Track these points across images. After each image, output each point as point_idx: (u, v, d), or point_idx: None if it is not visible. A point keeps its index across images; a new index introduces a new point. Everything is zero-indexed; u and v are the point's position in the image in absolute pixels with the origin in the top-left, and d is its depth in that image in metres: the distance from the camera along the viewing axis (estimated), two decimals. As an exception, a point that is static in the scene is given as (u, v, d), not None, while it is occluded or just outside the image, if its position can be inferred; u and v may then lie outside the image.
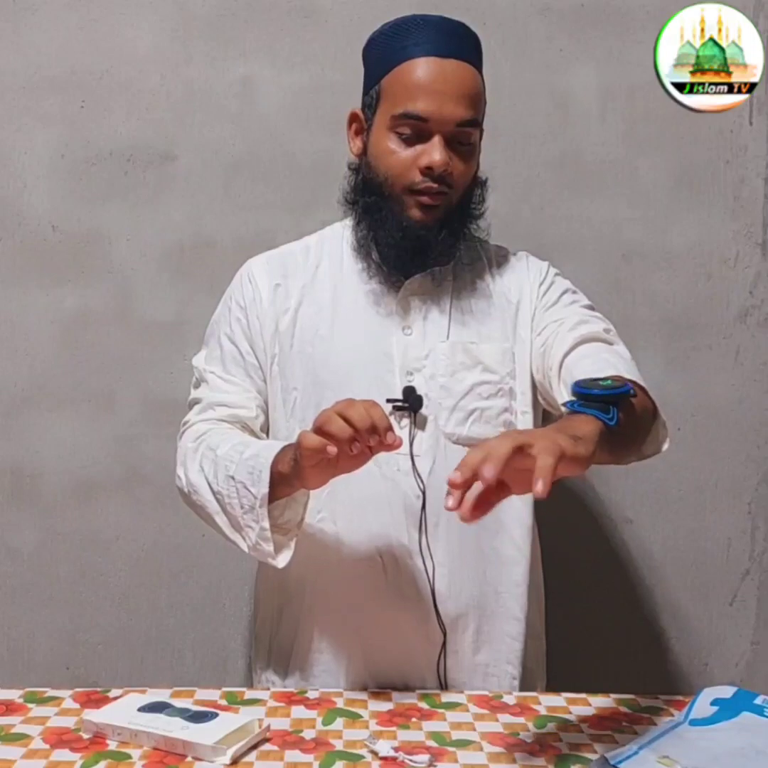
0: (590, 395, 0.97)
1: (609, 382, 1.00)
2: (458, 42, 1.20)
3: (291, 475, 1.09)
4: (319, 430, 1.03)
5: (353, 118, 1.26)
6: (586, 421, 0.93)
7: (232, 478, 1.13)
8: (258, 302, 1.27)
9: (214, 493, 1.16)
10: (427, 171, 1.17)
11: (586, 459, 0.88)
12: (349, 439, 1.01)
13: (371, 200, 1.22)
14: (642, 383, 1.11)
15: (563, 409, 1.00)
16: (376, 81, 1.21)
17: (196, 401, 1.29)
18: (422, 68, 1.17)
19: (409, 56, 1.17)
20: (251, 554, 1.16)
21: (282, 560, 1.13)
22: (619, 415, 0.95)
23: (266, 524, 1.11)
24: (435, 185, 1.18)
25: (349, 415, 1.01)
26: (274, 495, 1.11)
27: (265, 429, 1.28)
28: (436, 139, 1.17)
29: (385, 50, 1.21)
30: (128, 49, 1.62)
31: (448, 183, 1.19)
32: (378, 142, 1.21)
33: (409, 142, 1.18)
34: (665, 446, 1.16)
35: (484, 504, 0.86)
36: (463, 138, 1.19)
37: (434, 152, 1.17)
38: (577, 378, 1.11)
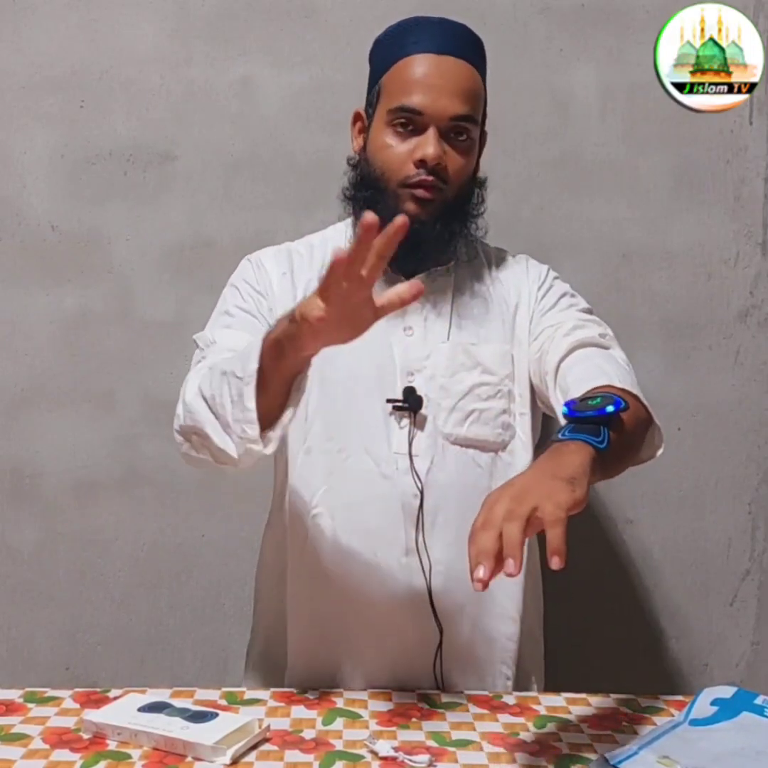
0: (581, 418, 0.97)
1: (598, 400, 0.99)
2: (456, 40, 1.21)
3: (284, 340, 1.00)
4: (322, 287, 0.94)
5: (357, 117, 1.28)
6: (577, 451, 0.93)
7: (224, 373, 1.06)
8: (269, 286, 1.26)
9: (207, 400, 1.08)
10: (421, 164, 1.18)
11: (583, 499, 0.88)
12: (349, 261, 0.91)
13: (368, 195, 1.23)
14: (635, 390, 1.10)
15: (555, 435, 0.99)
16: (377, 79, 1.23)
17: (202, 359, 1.20)
18: (419, 64, 1.18)
19: (407, 53, 1.19)
20: (240, 457, 1.06)
21: (270, 446, 1.05)
22: (610, 436, 0.95)
23: (251, 405, 1.01)
24: (429, 178, 1.18)
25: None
26: (267, 378, 1.02)
27: None
28: (431, 132, 1.18)
29: (386, 50, 1.23)
30: (128, 49, 1.62)
31: (442, 177, 1.19)
32: (376, 137, 1.22)
33: (404, 136, 1.19)
34: (660, 451, 1.16)
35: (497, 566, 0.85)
36: (459, 133, 1.20)
37: (428, 145, 1.17)
38: (570, 385, 1.11)
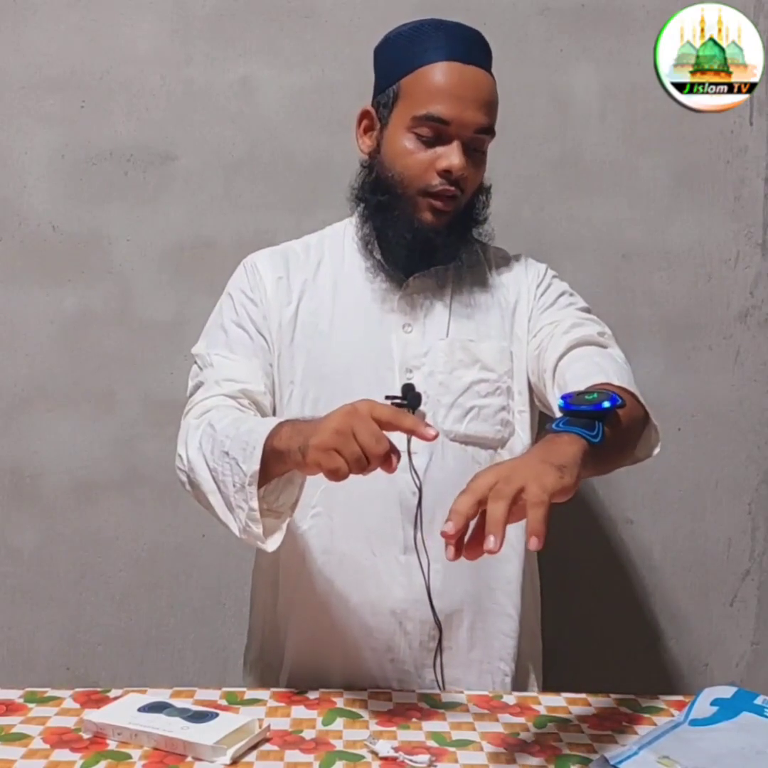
0: (576, 412, 0.97)
1: (595, 395, 0.99)
2: (478, 49, 1.21)
3: (287, 456, 1.02)
4: (329, 447, 0.97)
5: (364, 115, 1.26)
6: (570, 443, 0.92)
7: (227, 453, 1.07)
8: (263, 292, 1.26)
9: (210, 470, 1.10)
10: (445, 174, 1.18)
11: (571, 487, 0.88)
12: (359, 467, 0.96)
13: (384, 199, 1.23)
14: (632, 389, 1.10)
15: (549, 426, 0.99)
16: (395, 81, 1.21)
17: (200, 383, 1.23)
18: (445, 72, 1.18)
19: (431, 59, 1.18)
20: (242, 538, 1.09)
21: (272, 544, 1.06)
22: (604, 431, 0.95)
23: (255, 504, 1.04)
24: (451, 188, 1.19)
25: (361, 441, 0.94)
26: (268, 472, 1.05)
27: (273, 411, 1.25)
28: (456, 144, 1.18)
29: (405, 51, 1.21)
30: (128, 49, 1.62)
31: (461, 187, 1.20)
32: (395, 141, 1.21)
33: (427, 143, 1.19)
34: (656, 450, 1.16)
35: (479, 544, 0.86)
36: (478, 144, 1.21)
37: (453, 156, 1.18)
38: (568, 382, 1.12)
